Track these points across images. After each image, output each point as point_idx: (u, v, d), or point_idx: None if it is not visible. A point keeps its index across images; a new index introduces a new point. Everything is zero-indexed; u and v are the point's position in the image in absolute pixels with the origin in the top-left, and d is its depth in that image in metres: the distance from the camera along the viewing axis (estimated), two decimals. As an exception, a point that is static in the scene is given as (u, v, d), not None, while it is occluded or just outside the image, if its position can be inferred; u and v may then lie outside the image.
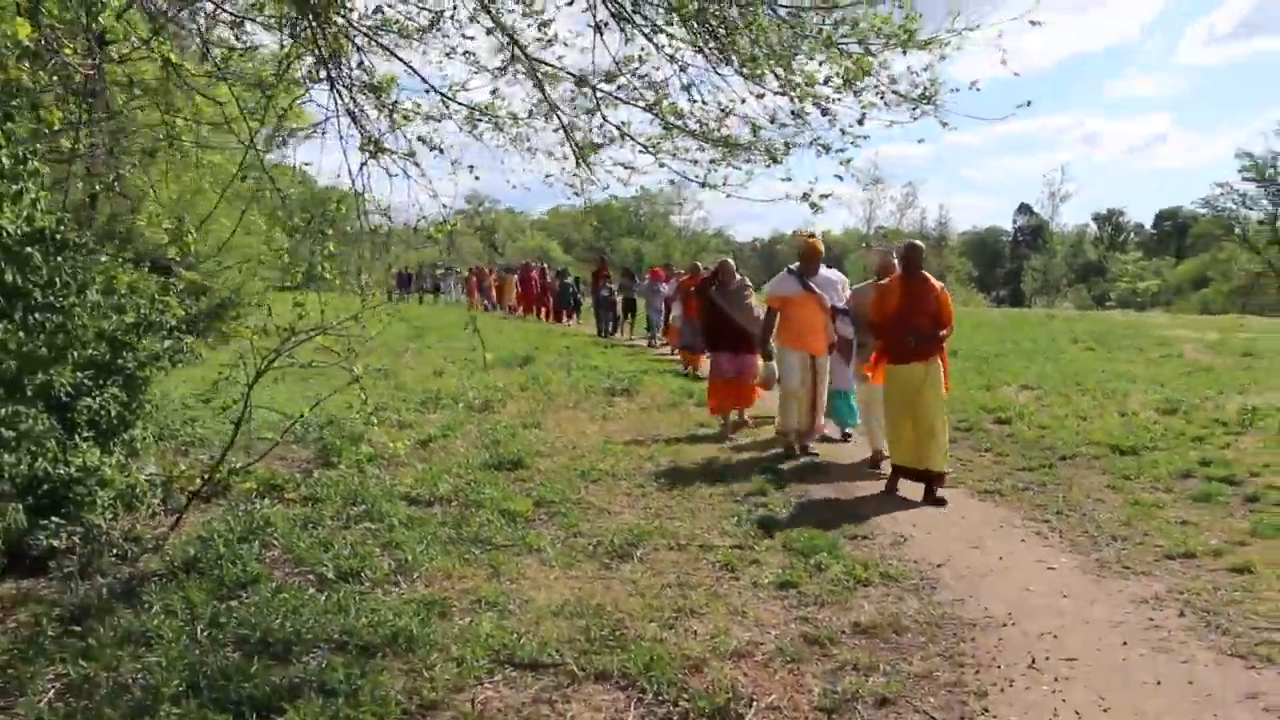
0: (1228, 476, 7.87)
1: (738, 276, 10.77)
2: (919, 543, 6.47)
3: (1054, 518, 7.02)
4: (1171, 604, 5.23)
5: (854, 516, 7.09)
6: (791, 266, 9.57)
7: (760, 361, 10.14)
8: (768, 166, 6.20)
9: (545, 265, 36.64)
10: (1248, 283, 61.88)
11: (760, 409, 11.09)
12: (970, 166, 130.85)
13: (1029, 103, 5.46)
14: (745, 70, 5.34)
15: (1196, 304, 60.11)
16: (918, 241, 7.97)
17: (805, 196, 5.73)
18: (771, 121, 5.61)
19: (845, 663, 4.49)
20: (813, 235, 9.74)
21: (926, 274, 7.82)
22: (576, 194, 7.11)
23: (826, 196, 5.76)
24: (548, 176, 7.16)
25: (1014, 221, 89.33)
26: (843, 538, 6.42)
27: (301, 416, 6.90)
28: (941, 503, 7.41)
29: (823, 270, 9.46)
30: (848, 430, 10.10)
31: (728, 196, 6.26)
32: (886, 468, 8.21)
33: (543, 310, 31.57)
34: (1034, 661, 4.53)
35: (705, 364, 16.69)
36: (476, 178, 7.22)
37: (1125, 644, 4.70)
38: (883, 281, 8.32)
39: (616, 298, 26.38)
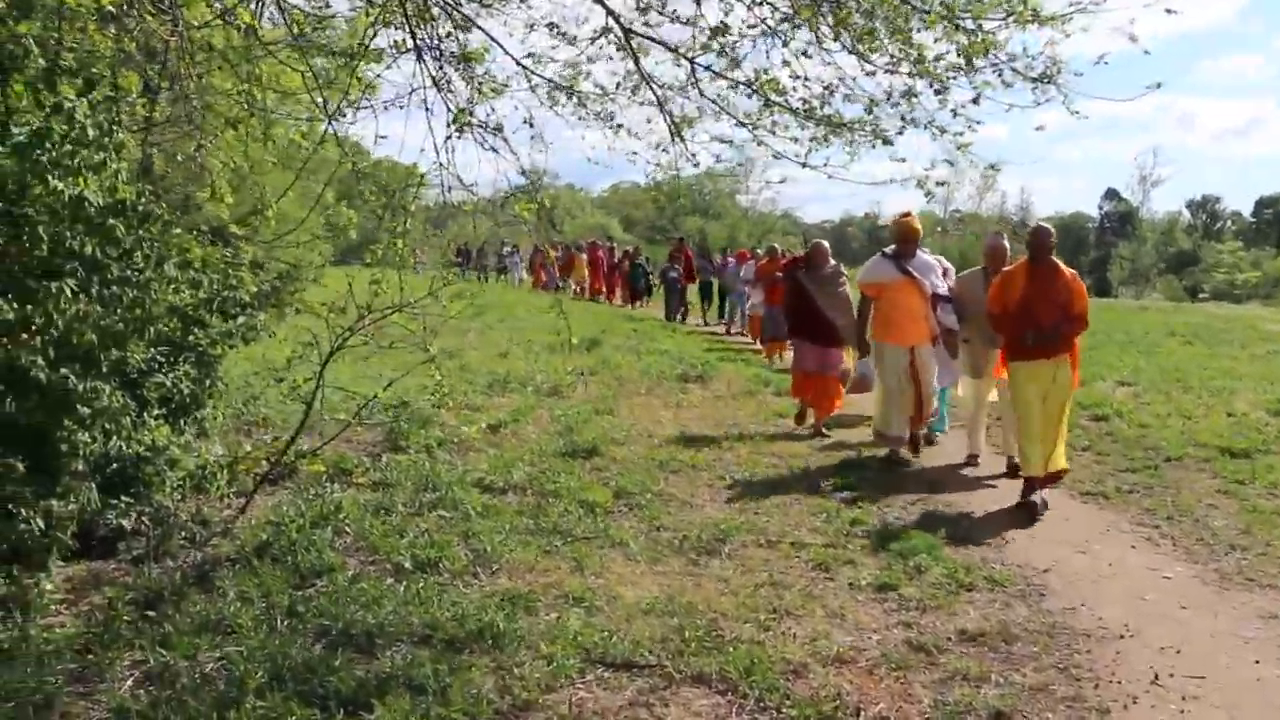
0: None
1: (832, 262, 10.22)
2: (1022, 546, 6.34)
3: (1164, 523, 6.85)
4: None
5: (950, 517, 6.97)
6: (886, 250, 8.93)
7: (849, 359, 9.78)
8: (873, 147, 6.10)
9: (613, 244, 35.60)
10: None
11: (851, 407, 10.56)
12: (1054, 148, 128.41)
13: (1159, 84, 5.31)
14: (861, 45, 5.23)
15: None
16: (1045, 224, 7.47)
17: (920, 183, 5.63)
18: (885, 100, 5.49)
19: (954, 672, 4.40)
20: (909, 214, 8.96)
21: (1056, 261, 7.27)
22: (665, 171, 7.07)
23: (942, 184, 5.66)
24: (633, 154, 7.12)
25: (1100, 207, 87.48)
26: (941, 539, 6.31)
27: (375, 397, 6.92)
28: (1033, 512, 7.00)
29: (920, 253, 8.84)
30: (936, 436, 9.58)
31: (829, 178, 6.18)
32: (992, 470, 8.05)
33: (610, 292, 31.24)
34: (1157, 677, 4.40)
35: (789, 354, 16.61)
36: (542, 152, 7.16)
37: (1258, 662, 4.55)
38: (1007, 269, 7.66)
39: (681, 280, 25.44)
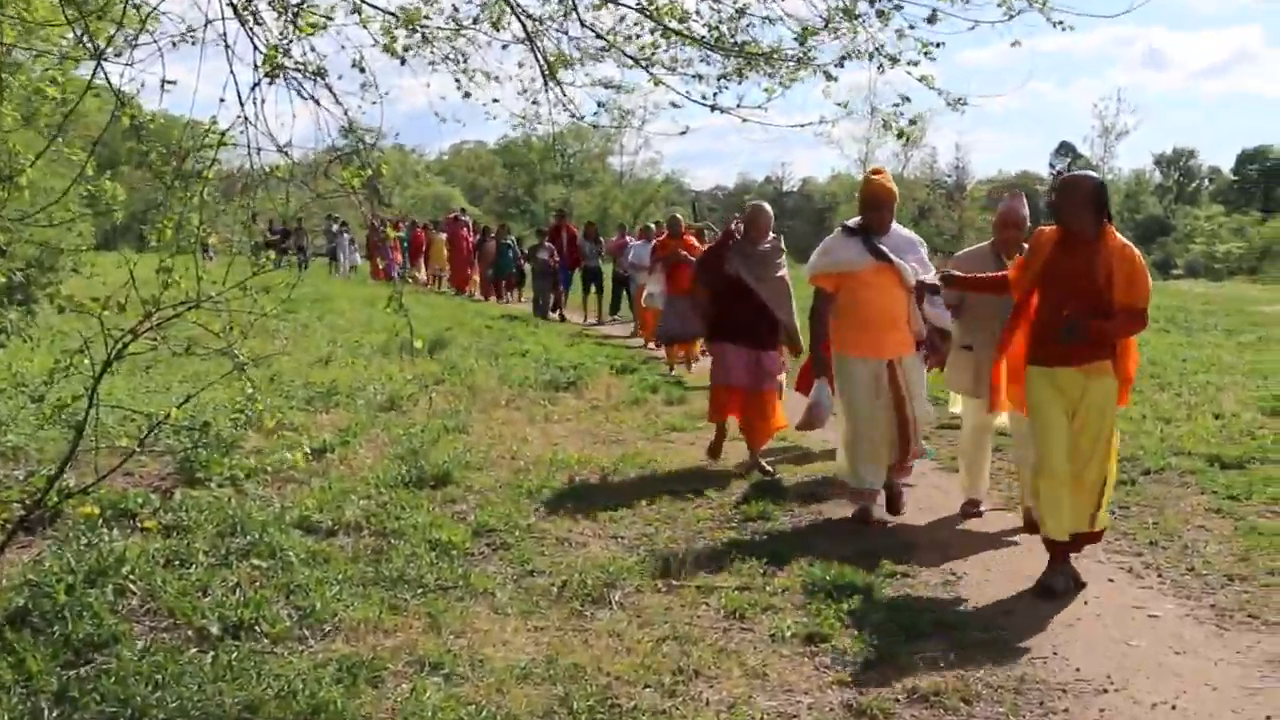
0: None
1: (772, 234, 9.30)
2: (977, 582, 6.48)
3: (1147, 550, 7.06)
4: None
5: (889, 547, 7.08)
6: (849, 223, 7.85)
7: (788, 363, 9.25)
8: (784, 87, 6.16)
9: (468, 220, 34.59)
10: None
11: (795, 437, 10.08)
12: (992, 95, 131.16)
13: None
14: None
15: None
16: (1085, 173, 6.71)
17: (887, 125, 5.72)
18: (823, 25, 5.54)
19: (906, 741, 4.46)
20: (880, 171, 8.01)
21: (1107, 225, 6.28)
22: (536, 123, 7.05)
23: (914, 122, 5.76)
24: (493, 101, 7.07)
25: (1052, 165, 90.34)
26: (880, 576, 6.40)
27: (166, 417, 6.70)
28: (1054, 593, 6.22)
29: (895, 227, 7.79)
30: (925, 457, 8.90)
31: (744, 121, 6.15)
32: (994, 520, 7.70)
33: (466, 282, 31.15)
34: (1150, 740, 4.53)
35: (697, 356, 15.91)
36: (376, 103, 7.05)
37: (1270, 718, 4.71)
38: (1041, 235, 6.55)
39: (555, 263, 25.04)
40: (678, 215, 17.64)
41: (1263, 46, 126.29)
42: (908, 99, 6.28)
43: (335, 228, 38.38)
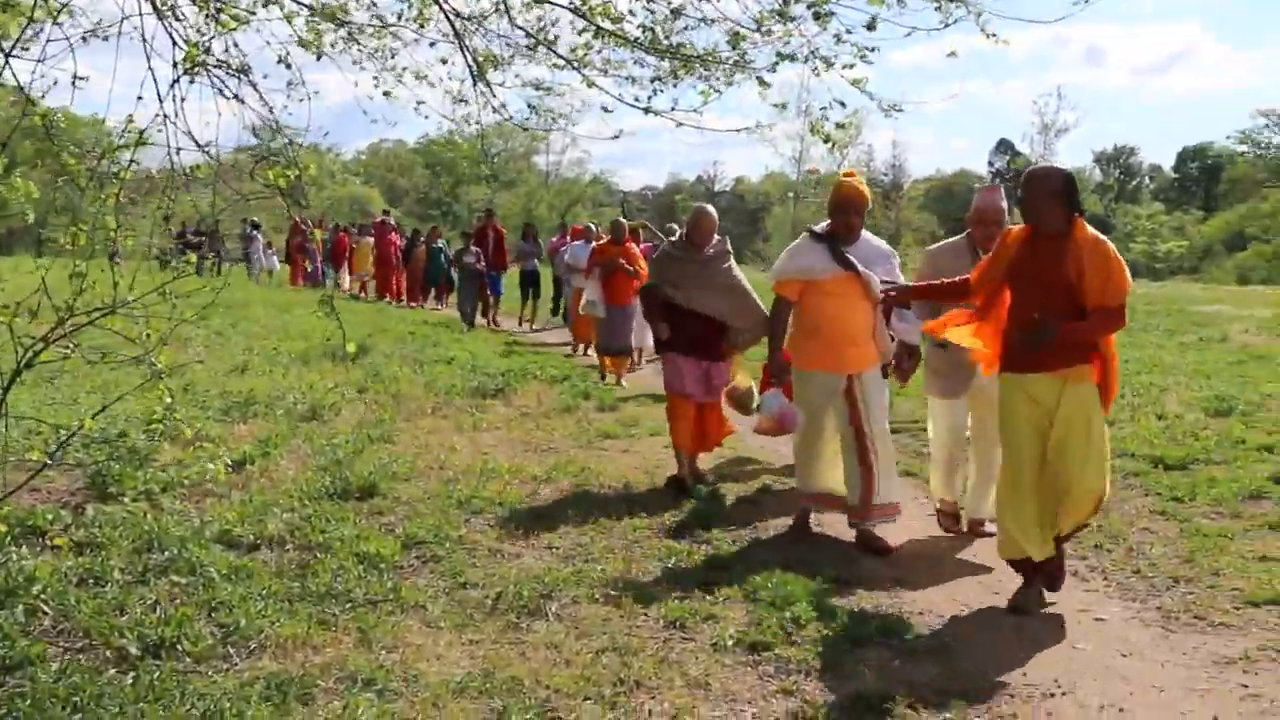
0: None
1: (717, 237, 9.05)
2: (921, 588, 6.56)
3: (1092, 553, 7.20)
4: (1268, 666, 5.34)
5: (830, 555, 7.17)
6: (816, 228, 7.70)
7: (739, 375, 8.93)
8: (720, 90, 6.23)
9: (394, 221, 34.57)
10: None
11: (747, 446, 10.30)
12: (928, 93, 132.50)
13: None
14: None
15: (1231, 271, 61.15)
16: (1051, 165, 6.67)
17: (814, 129, 5.79)
18: (755, 27, 5.62)
19: (853, 750, 4.51)
20: (852, 174, 7.78)
21: (1078, 220, 6.07)
22: (465, 124, 7.06)
23: (842, 126, 5.83)
24: (419, 103, 7.07)
25: (990, 164, 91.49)
26: (823, 582, 6.47)
27: (80, 427, 6.61)
28: (1028, 612, 6.15)
29: (865, 235, 7.68)
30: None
31: (678, 125, 6.21)
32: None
33: (399, 289, 30.79)
34: (1097, 743, 4.62)
35: (637, 368, 16.20)
36: (303, 100, 7.03)
37: (1216, 718, 4.81)
38: (1008, 234, 6.40)
39: (482, 267, 24.50)
40: (621, 220, 16.92)
41: (1203, 43, 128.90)
42: (842, 103, 6.37)
43: (250, 231, 37.60)
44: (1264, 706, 4.90)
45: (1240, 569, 6.74)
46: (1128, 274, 6.09)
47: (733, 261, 9.09)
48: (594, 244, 17.35)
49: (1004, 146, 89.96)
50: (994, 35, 6.07)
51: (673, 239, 9.56)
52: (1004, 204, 7.56)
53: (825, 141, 6.88)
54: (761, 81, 6.05)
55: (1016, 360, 6.18)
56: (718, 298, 8.79)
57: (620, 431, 11.18)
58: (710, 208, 9.23)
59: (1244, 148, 68.05)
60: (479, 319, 24.46)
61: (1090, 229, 6.09)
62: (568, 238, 22.57)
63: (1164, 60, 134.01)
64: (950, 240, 7.90)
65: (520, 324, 24.74)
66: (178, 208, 6.81)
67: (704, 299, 8.77)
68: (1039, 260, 6.09)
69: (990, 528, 7.35)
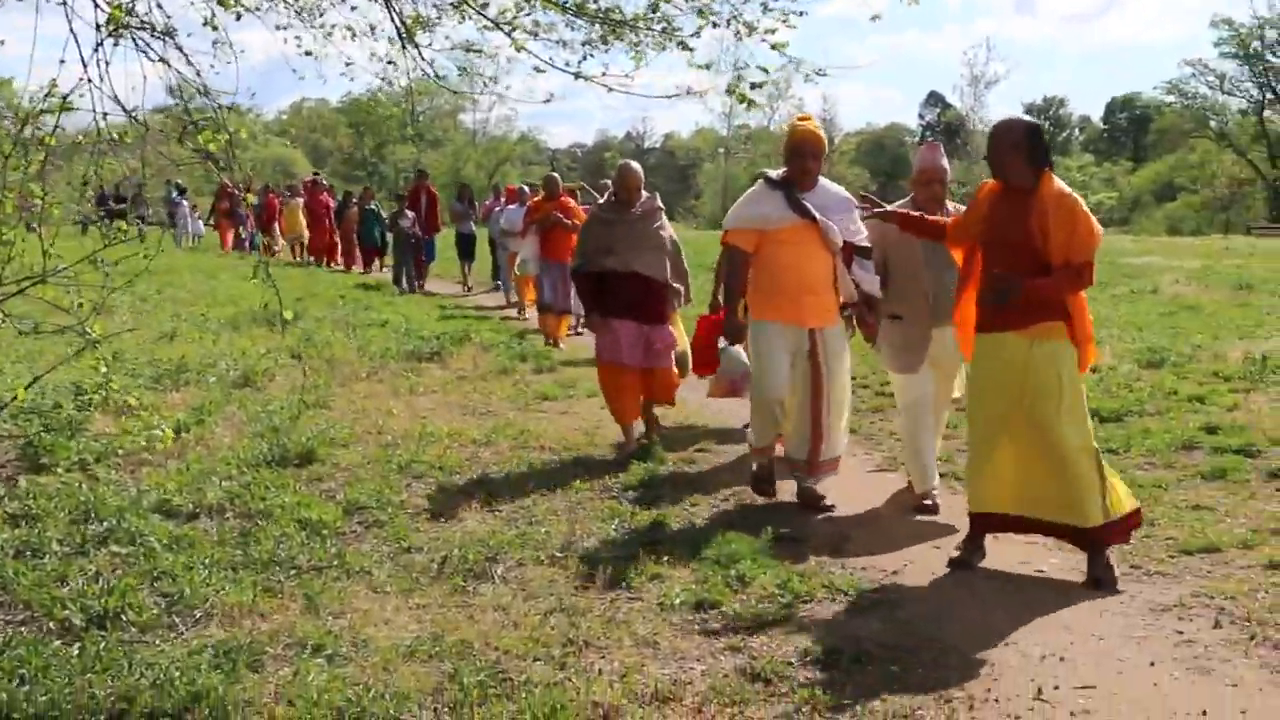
0: (1243, 446, 8.36)
1: (645, 194, 8.88)
2: (864, 544, 6.70)
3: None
4: (1201, 612, 5.51)
5: (773, 512, 7.30)
6: (771, 173, 7.45)
7: (681, 337, 9.01)
8: (661, 50, 6.29)
9: (325, 184, 33.62)
10: (1227, 192, 64.39)
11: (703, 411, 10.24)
12: (857, 46, 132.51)
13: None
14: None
15: (1161, 222, 61.94)
16: (1016, 117, 6.44)
17: (730, 89, 5.84)
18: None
19: (801, 703, 4.61)
20: (807, 118, 7.57)
21: (1046, 176, 5.95)
22: (390, 82, 7.07)
23: (759, 86, 5.89)
24: (348, 64, 7.07)
25: (921, 116, 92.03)
26: (765, 540, 6.59)
27: (13, 399, 6.61)
28: (1108, 585, 5.86)
29: (824, 182, 7.41)
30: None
31: (609, 90, 6.26)
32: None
33: (333, 252, 30.35)
34: (1040, 692, 4.74)
35: (576, 332, 15.81)
36: (230, 62, 7.01)
37: (1153, 664, 4.97)
38: (981, 189, 6.36)
39: (422, 231, 24.11)
40: (554, 175, 16.54)
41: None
42: (765, 70, 6.46)
43: (175, 195, 36.70)
44: (1198, 652, 5.07)
45: (1174, 518, 6.94)
46: (1097, 229, 5.98)
47: (665, 219, 8.99)
48: (529, 203, 17.04)
49: (934, 99, 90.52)
50: None
51: (599, 201, 9.49)
52: (944, 161, 7.44)
53: (742, 103, 6.90)
54: (684, 46, 6.09)
55: (985, 320, 6.10)
56: (654, 256, 8.74)
57: (558, 393, 11.25)
58: (634, 164, 9.06)
59: (1171, 98, 68.91)
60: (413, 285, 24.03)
61: (1058, 183, 5.97)
62: (501, 200, 22.35)
63: (1093, 9, 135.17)
64: (896, 204, 7.48)
65: (465, 287, 24.49)
66: (103, 172, 6.79)
67: (641, 259, 8.66)
68: (1005, 216, 6.00)
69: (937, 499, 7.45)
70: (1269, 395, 10.08)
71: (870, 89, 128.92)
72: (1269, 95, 65.31)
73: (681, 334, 9.10)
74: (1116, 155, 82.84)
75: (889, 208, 7.04)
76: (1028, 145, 5.95)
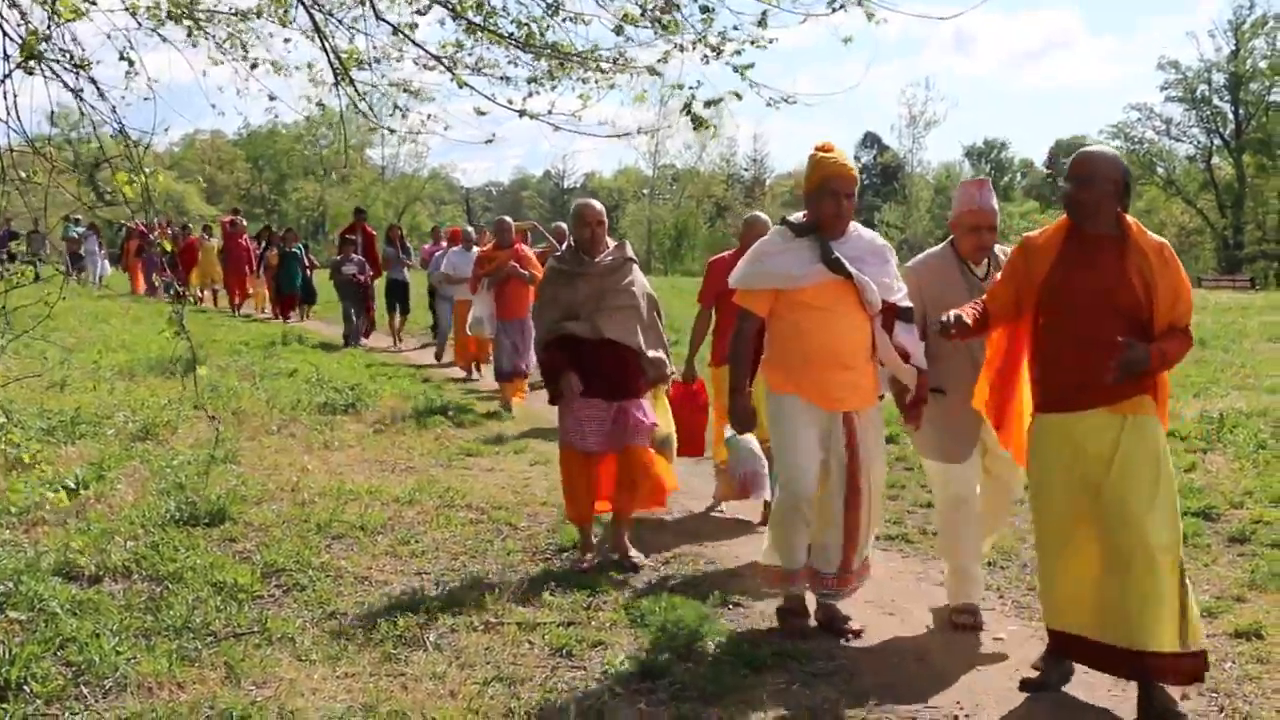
0: (1203, 509, 8.56)
1: (611, 241, 7.90)
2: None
3: (986, 570, 7.41)
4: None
5: (719, 575, 7.40)
6: (793, 218, 6.36)
7: (660, 413, 8.02)
8: (607, 87, 6.40)
9: (244, 224, 32.04)
10: (1175, 242, 66.07)
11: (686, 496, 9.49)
12: (788, 79, 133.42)
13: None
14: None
15: None
16: (1103, 151, 5.60)
17: (687, 107, 5.95)
18: (640, 14, 5.80)
19: (762, 777, 4.70)
20: (828, 146, 6.28)
21: (1128, 220, 5.37)
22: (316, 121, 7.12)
23: (714, 103, 6.02)
24: (272, 99, 7.12)
25: (856, 158, 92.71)
26: (714, 606, 6.67)
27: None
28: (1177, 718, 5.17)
29: (855, 228, 6.32)
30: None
31: (556, 130, 6.34)
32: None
33: (245, 296, 29.17)
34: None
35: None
36: (148, 98, 7.04)
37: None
38: (1030, 236, 5.66)
39: (363, 278, 22.19)
40: (506, 219, 15.14)
41: (1079, 33, 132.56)
42: (739, 96, 6.57)
43: (79, 232, 35.05)
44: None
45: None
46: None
47: (637, 271, 7.84)
48: (476, 250, 16.48)
49: (871, 140, 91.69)
50: (873, 16, 6.33)
51: (557, 253, 8.40)
52: (994, 201, 6.49)
53: (696, 126, 7.00)
54: (652, 71, 6.23)
55: (1064, 396, 5.32)
56: (627, 317, 7.63)
57: (483, 450, 11.30)
58: (594, 202, 8.01)
59: (1117, 142, 70.33)
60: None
61: (1148, 232, 5.39)
62: (443, 243, 20.91)
63: (1037, 49, 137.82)
64: (931, 253, 6.75)
65: (394, 342, 23.00)
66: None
67: (612, 322, 7.57)
68: (1093, 271, 5.27)
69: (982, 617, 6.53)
70: (1227, 455, 10.32)
71: (803, 127, 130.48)
72: (1217, 142, 67.03)
73: (665, 412, 8.21)
74: (1061, 201, 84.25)
75: (964, 319, 5.54)
76: (1125, 184, 5.39)
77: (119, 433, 10.90)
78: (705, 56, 6.30)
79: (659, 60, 6.16)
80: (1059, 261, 5.37)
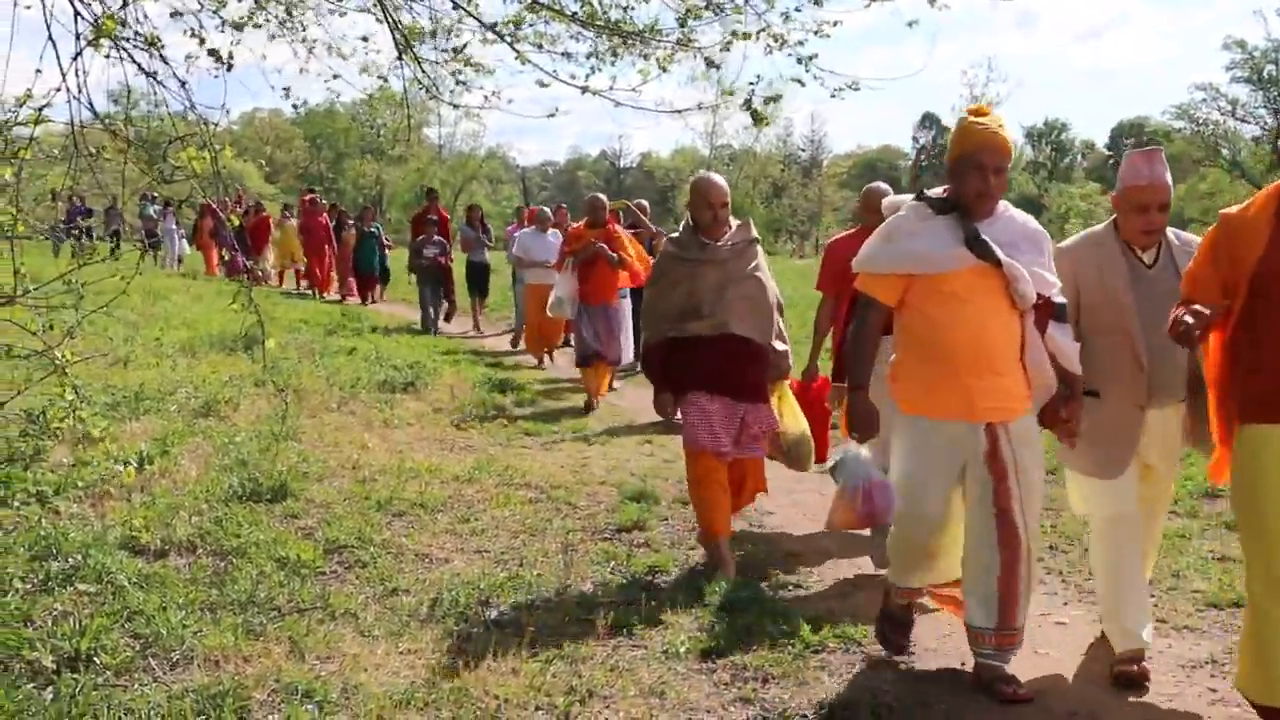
0: (1270, 493, 8.44)
1: (735, 221, 7.13)
2: (875, 594, 6.76)
3: (1048, 554, 7.47)
4: (1233, 670, 5.46)
5: (777, 556, 7.42)
6: (933, 193, 5.40)
7: (785, 416, 7.41)
8: (667, 65, 6.40)
9: (321, 202, 30.31)
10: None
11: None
12: (849, 62, 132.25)
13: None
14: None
15: None
16: None
17: (747, 103, 5.94)
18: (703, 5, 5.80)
19: (820, 757, 4.72)
20: (983, 110, 5.38)
21: None
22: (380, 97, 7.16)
23: (775, 99, 6.00)
24: (335, 77, 7.16)
25: (915, 139, 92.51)
26: (771, 586, 6.69)
27: (-23, 427, 6.65)
28: None
29: (1006, 209, 5.38)
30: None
31: (617, 105, 6.35)
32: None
33: (326, 280, 27.97)
34: (1071, 753, 4.85)
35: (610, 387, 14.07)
36: (216, 76, 7.11)
37: (1183, 723, 5.07)
38: (1228, 211, 4.92)
39: (446, 261, 21.47)
40: (600, 197, 13.89)
41: (1141, 9, 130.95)
42: (801, 84, 6.56)
43: (154, 209, 33.98)
44: (1232, 712, 5.17)
45: (1201, 570, 7.07)
46: None
47: (761, 253, 7.17)
48: (552, 231, 16.08)
49: (929, 121, 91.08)
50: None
51: (673, 234, 7.47)
52: (1168, 175, 5.51)
53: (754, 119, 6.95)
54: (710, 63, 6.22)
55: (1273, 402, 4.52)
56: (752, 310, 6.96)
57: (541, 429, 11.35)
58: (716, 178, 7.11)
59: (1181, 124, 69.51)
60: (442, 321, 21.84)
61: None
62: (524, 223, 19.85)
63: (1100, 27, 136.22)
64: (1089, 233, 5.89)
65: (474, 326, 22.59)
66: (50, 183, 6.86)
67: (737, 314, 6.90)
68: None
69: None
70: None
71: (861, 109, 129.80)
72: (1284, 123, 66.15)
73: (793, 409, 7.50)
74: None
75: (1199, 312, 4.64)
76: None
77: (181, 409, 11.00)
78: (769, 47, 6.28)
79: (721, 47, 6.14)
80: (1276, 239, 4.56)
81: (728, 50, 6.15)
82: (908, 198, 5.59)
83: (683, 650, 5.74)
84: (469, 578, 6.70)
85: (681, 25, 6.10)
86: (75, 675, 5.18)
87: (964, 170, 5.17)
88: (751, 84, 6.65)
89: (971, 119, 5.27)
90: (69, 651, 5.37)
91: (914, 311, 5.29)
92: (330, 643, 5.67)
